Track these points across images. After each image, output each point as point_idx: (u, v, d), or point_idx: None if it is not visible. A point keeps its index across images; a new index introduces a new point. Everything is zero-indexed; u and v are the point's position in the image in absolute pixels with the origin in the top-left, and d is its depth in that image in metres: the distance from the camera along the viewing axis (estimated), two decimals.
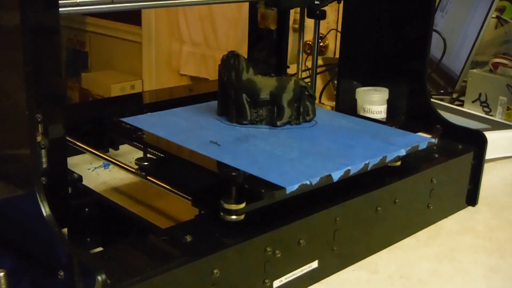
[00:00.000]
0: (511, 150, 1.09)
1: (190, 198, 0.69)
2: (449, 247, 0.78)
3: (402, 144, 0.75)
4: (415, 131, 0.81)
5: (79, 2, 0.68)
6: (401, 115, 1.00)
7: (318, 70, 1.25)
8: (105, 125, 0.96)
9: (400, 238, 0.79)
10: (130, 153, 0.99)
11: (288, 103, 0.78)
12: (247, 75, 0.77)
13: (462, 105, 1.34)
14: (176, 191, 0.72)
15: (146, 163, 0.75)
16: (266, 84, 0.78)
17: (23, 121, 0.54)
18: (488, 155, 0.89)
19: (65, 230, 0.68)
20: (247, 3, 1.02)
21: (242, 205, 0.61)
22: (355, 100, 1.03)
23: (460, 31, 1.49)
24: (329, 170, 0.65)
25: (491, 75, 1.29)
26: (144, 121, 0.78)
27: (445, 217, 0.86)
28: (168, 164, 0.76)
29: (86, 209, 0.74)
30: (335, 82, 1.18)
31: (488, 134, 0.88)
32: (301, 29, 0.99)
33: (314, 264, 0.67)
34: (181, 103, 0.87)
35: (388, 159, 0.71)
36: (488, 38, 1.46)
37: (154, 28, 2.73)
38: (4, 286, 0.52)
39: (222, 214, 0.61)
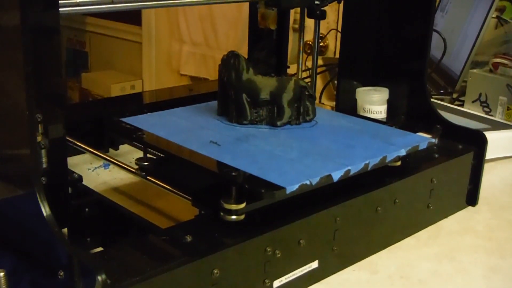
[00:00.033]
0: (511, 150, 1.09)
1: (190, 198, 0.69)
2: (449, 247, 0.78)
3: (402, 144, 0.75)
4: (415, 131, 0.81)
5: (79, 2, 0.68)
6: (401, 115, 1.00)
7: (318, 70, 1.25)
8: (105, 125, 0.96)
9: (400, 238, 0.79)
10: (130, 153, 0.99)
11: (288, 103, 0.78)
12: (247, 75, 0.77)
13: (462, 105, 1.34)
14: (176, 191, 0.72)
15: (146, 163, 0.75)
16: (266, 84, 0.78)
17: (23, 121, 0.54)
18: (488, 155, 0.89)
19: (65, 230, 0.68)
20: (247, 3, 1.02)
21: (242, 205, 0.61)
22: (355, 100, 1.03)
23: (460, 31, 1.49)
24: (329, 170, 0.65)
25: (491, 75, 1.29)
26: (144, 121, 0.78)
27: (445, 217, 0.86)
28: (168, 164, 0.76)
29: (86, 209, 0.74)
30: (335, 82, 1.18)
31: (488, 134, 0.88)
32: (301, 29, 0.99)
33: (314, 264, 0.67)
34: (181, 103, 0.87)
35: (388, 159, 0.71)
36: (488, 38, 1.46)
37: (154, 28, 2.73)
38: (4, 286, 0.52)
39: (222, 214, 0.61)
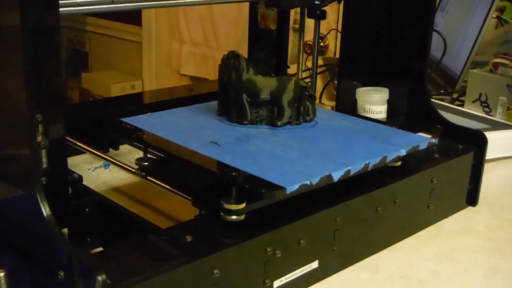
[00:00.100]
0: (511, 150, 1.09)
1: (190, 198, 0.69)
2: (449, 247, 0.78)
3: (402, 144, 0.75)
4: (415, 131, 0.81)
5: (80, 2, 0.68)
6: (401, 115, 1.00)
7: (318, 70, 1.25)
8: (105, 125, 0.96)
9: (400, 238, 0.79)
10: (130, 153, 0.99)
11: (288, 103, 0.78)
12: (247, 75, 0.77)
13: (462, 105, 1.34)
14: (176, 191, 0.72)
15: (146, 163, 0.75)
16: (266, 84, 0.78)
17: (23, 121, 0.54)
18: (489, 155, 0.89)
19: (65, 230, 0.68)
20: (247, 3, 1.02)
21: (242, 205, 0.61)
22: (355, 100, 1.03)
23: (460, 31, 1.49)
24: (330, 170, 0.65)
25: (491, 75, 1.29)
26: (144, 121, 0.78)
27: (445, 217, 0.86)
28: (168, 164, 0.76)
29: (86, 209, 0.74)
30: (335, 82, 1.18)
31: (488, 134, 0.88)
32: (301, 29, 0.99)
33: (315, 264, 0.67)
34: (181, 103, 0.87)
35: (388, 159, 0.71)
36: (488, 38, 1.46)
37: (154, 28, 2.73)
38: (4, 286, 0.52)
39: (222, 214, 0.61)
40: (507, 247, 0.79)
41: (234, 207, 0.60)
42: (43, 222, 0.52)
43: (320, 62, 1.49)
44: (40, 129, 0.60)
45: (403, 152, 0.73)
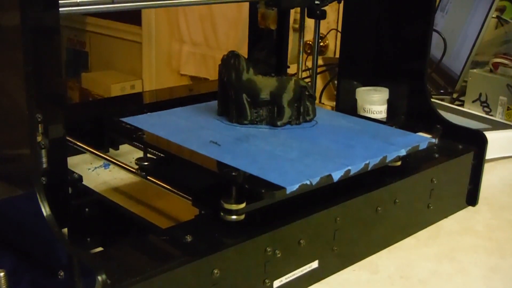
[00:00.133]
0: (511, 150, 1.09)
1: (190, 198, 0.69)
2: (449, 247, 0.78)
3: (402, 144, 0.75)
4: (415, 131, 0.81)
5: (80, 2, 0.68)
6: (401, 115, 1.00)
7: (318, 70, 1.25)
8: (105, 125, 0.95)
9: (400, 238, 0.79)
10: (130, 153, 0.99)
11: (288, 103, 0.78)
12: (247, 75, 0.77)
13: (462, 105, 1.34)
14: (176, 191, 0.72)
15: (146, 163, 0.75)
16: (266, 84, 0.78)
17: (23, 121, 0.54)
18: (488, 155, 0.89)
19: (65, 230, 0.68)
20: (247, 3, 1.02)
21: (242, 205, 0.61)
22: (355, 100, 1.03)
23: (460, 31, 1.49)
24: (330, 170, 0.65)
25: (491, 75, 1.29)
26: (144, 121, 0.78)
27: (445, 217, 0.86)
28: (168, 164, 0.76)
29: (86, 209, 0.74)
30: (335, 82, 1.18)
31: (488, 134, 0.88)
32: (301, 29, 0.99)
33: (314, 264, 0.67)
34: (181, 103, 0.87)
35: (388, 159, 0.71)
36: (488, 38, 1.46)
37: (154, 28, 2.73)
38: (4, 286, 0.52)
39: (222, 214, 0.61)
40: (507, 247, 0.79)
41: (234, 207, 0.60)
42: (43, 222, 0.52)
43: (320, 62, 1.49)
44: (40, 129, 0.60)
45: (403, 152, 0.73)
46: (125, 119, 0.78)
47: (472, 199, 0.89)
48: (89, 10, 0.70)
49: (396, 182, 0.75)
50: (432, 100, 1.25)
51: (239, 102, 0.78)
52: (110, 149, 1.01)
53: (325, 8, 0.95)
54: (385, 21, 1.00)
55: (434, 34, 1.18)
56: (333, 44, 1.84)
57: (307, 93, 0.79)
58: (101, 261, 0.54)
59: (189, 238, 0.58)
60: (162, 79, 2.74)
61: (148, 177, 0.75)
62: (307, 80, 0.97)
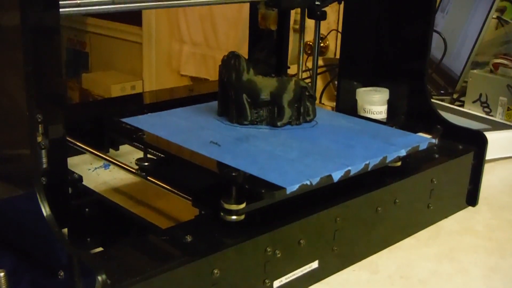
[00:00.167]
0: (511, 150, 1.09)
1: (190, 198, 0.69)
2: (449, 247, 0.78)
3: (402, 144, 0.75)
4: (416, 132, 0.81)
5: (80, 2, 0.68)
6: (402, 116, 1.00)
7: (319, 70, 1.25)
8: (105, 125, 0.96)
9: (400, 238, 0.79)
10: (130, 154, 0.99)
11: (288, 104, 0.78)
12: (247, 76, 0.77)
13: (462, 106, 1.34)
14: (176, 191, 0.72)
15: (146, 164, 0.75)
16: (266, 85, 0.78)
17: (23, 121, 0.54)
18: (488, 155, 0.89)
19: (65, 230, 0.68)
20: (247, 4, 1.02)
21: (242, 205, 0.61)
22: (356, 101, 1.03)
23: (461, 31, 1.49)
24: (330, 170, 0.65)
25: (492, 76, 1.29)
26: (144, 122, 0.78)
27: (445, 217, 0.86)
28: (168, 164, 0.76)
29: (86, 209, 0.74)
30: (336, 82, 1.18)
31: (489, 135, 0.88)
32: (301, 30, 0.99)
33: (314, 264, 0.67)
34: (182, 103, 0.87)
35: (388, 160, 0.71)
36: (488, 39, 1.46)
37: (154, 28, 2.73)
38: (4, 286, 0.52)
39: (222, 214, 0.61)
40: (507, 247, 0.79)
41: (234, 207, 0.60)
42: (43, 222, 0.52)
43: (321, 62, 1.49)
44: (40, 129, 0.60)
45: (403, 152, 0.73)
46: (125, 120, 0.78)
47: (472, 199, 0.89)
48: (89, 10, 0.70)
49: (396, 182, 0.75)
50: (432, 100, 1.25)
51: (239, 103, 0.78)
52: (110, 150, 1.01)
53: (326, 9, 0.95)
54: (385, 21, 1.00)
55: (435, 35, 1.18)
56: (333, 44, 1.84)
57: (307, 93, 0.79)
58: (101, 261, 0.54)
59: (189, 238, 0.58)
60: (162, 79, 2.74)
61: (148, 177, 0.75)
62: (307, 80, 0.97)
